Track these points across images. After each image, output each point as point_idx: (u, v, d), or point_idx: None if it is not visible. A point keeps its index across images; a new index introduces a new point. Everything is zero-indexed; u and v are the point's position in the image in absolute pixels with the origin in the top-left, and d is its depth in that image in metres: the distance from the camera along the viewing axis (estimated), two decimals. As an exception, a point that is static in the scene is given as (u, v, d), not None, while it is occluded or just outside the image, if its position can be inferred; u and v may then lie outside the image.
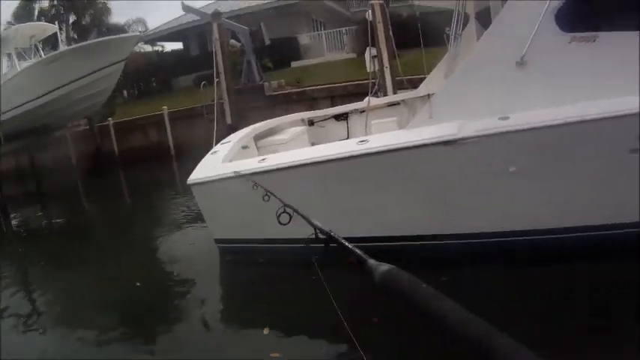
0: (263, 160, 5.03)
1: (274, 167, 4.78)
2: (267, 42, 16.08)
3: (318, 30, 25.83)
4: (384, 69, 8.84)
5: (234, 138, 6.55)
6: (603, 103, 4.06)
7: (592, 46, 4.31)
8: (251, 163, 5.08)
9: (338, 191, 4.56)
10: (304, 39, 23.79)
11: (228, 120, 12.98)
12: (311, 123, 7.79)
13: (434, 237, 4.54)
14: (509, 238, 4.28)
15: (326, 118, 7.84)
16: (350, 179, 4.49)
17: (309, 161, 4.61)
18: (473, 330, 1.13)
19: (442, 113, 4.51)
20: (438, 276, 3.88)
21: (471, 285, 4.06)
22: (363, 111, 7.30)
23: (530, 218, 4.35)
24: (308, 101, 12.82)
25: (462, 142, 4.10)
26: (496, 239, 4.26)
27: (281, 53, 20.40)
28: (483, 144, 4.07)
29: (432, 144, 4.18)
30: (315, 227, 2.32)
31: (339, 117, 7.79)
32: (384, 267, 1.59)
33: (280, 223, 3.01)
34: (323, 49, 22.98)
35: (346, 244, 1.99)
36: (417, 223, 4.55)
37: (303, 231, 4.72)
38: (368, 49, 9.58)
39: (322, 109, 8.38)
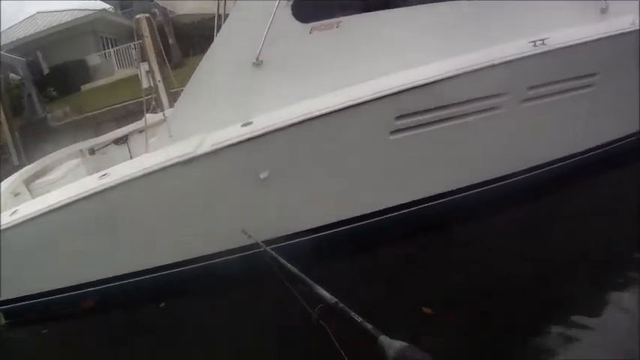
0: (14, 212, 4.27)
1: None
2: (46, 71, 14.57)
3: (108, 48, 24.16)
4: (158, 83, 8.30)
5: (3, 185, 5.63)
6: (355, 88, 3.92)
7: (335, 32, 4.15)
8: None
9: (86, 234, 3.94)
10: (94, 59, 22.08)
11: (15, 161, 11.53)
12: (92, 152, 7.05)
13: (185, 262, 4.15)
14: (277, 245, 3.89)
15: (106, 145, 7.15)
16: (96, 218, 3.91)
17: (48, 209, 3.90)
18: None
19: (180, 130, 4.07)
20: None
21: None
22: (143, 130, 6.79)
23: (290, 223, 4.10)
24: (93, 127, 11.77)
25: (202, 158, 3.70)
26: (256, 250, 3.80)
27: (68, 78, 18.68)
28: (226, 155, 3.72)
29: (169, 167, 3.72)
30: (323, 297, 2.10)
31: (118, 141, 7.15)
32: (397, 344, 1.50)
33: None
34: (113, 68, 21.54)
35: (356, 317, 1.80)
36: (167, 252, 4.13)
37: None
38: (140, 65, 8.97)
39: (107, 133, 7.65)
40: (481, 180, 4.42)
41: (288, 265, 2.68)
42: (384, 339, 1.59)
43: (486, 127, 4.24)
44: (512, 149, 4.46)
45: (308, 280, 2.39)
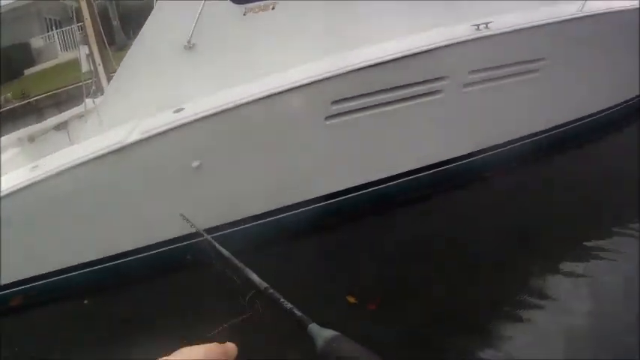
0: None
1: None
2: (-15, 56, 13.86)
3: (52, 30, 23.08)
4: (98, 67, 7.98)
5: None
6: (290, 72, 3.85)
7: (271, 14, 4.06)
8: None
9: (17, 230, 3.79)
10: (37, 42, 21.10)
11: (-46, 151, 10.94)
12: (32, 139, 6.78)
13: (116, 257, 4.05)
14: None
15: (46, 132, 6.88)
16: (26, 213, 3.78)
17: None
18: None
19: (111, 117, 3.95)
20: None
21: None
22: (82, 116, 6.56)
23: (224, 212, 4.01)
24: (35, 113, 11.25)
25: (131, 147, 3.58)
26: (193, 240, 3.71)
27: (11, 63, 17.79)
28: (156, 144, 3.60)
29: (98, 157, 3.60)
30: (253, 282, 1.87)
31: (59, 127, 6.89)
32: (327, 333, 1.22)
33: None
34: (56, 50, 20.65)
35: (285, 303, 1.63)
36: (99, 245, 4.03)
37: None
38: (80, 47, 8.58)
39: (47, 119, 7.36)
40: (420, 166, 4.41)
41: (222, 249, 2.62)
42: (313, 327, 1.50)
43: (426, 112, 4.20)
44: (454, 134, 4.44)
45: (239, 264, 2.34)
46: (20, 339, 3.98)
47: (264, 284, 2.03)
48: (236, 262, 2.38)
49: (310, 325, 1.54)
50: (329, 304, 3.37)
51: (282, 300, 1.82)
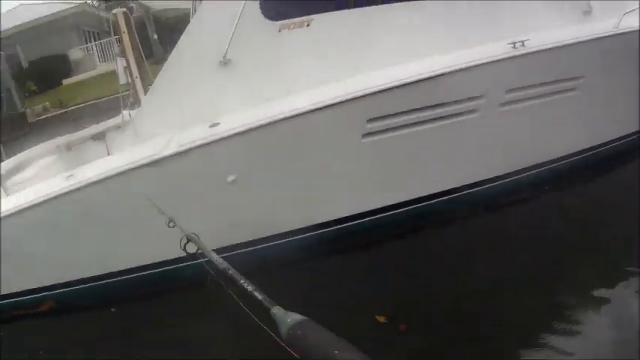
0: None
1: None
2: (25, 65, 14.33)
3: (90, 41, 23.79)
4: (135, 79, 8.13)
5: (-21, 183, 5.48)
6: (325, 89, 3.83)
7: (306, 31, 4.07)
8: None
9: (51, 236, 3.85)
10: (75, 53, 21.70)
11: (-6, 157, 11.28)
12: (69, 148, 6.92)
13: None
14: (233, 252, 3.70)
15: (84, 141, 7.02)
16: (61, 220, 3.82)
17: (11, 212, 3.82)
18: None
19: (147, 130, 4.00)
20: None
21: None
22: (120, 126, 6.68)
23: (258, 227, 3.99)
24: (72, 122, 11.53)
25: (168, 160, 3.61)
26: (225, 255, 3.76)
27: (49, 72, 18.35)
28: (193, 157, 3.63)
29: (134, 168, 3.63)
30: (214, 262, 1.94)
31: (96, 137, 7.03)
32: (293, 317, 1.30)
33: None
34: (94, 62, 21.20)
35: (246, 285, 1.62)
36: (133, 256, 4.04)
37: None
38: (117, 60, 8.77)
39: (85, 128, 7.50)
40: (455, 186, 4.34)
41: (186, 231, 2.50)
42: (277, 311, 1.40)
43: (462, 131, 4.14)
44: (489, 154, 4.35)
45: (202, 244, 2.25)
46: (45, 343, 4.05)
47: (224, 264, 1.92)
48: (200, 243, 2.28)
49: (274, 309, 1.44)
50: (358, 323, 3.34)
51: (242, 281, 1.71)
